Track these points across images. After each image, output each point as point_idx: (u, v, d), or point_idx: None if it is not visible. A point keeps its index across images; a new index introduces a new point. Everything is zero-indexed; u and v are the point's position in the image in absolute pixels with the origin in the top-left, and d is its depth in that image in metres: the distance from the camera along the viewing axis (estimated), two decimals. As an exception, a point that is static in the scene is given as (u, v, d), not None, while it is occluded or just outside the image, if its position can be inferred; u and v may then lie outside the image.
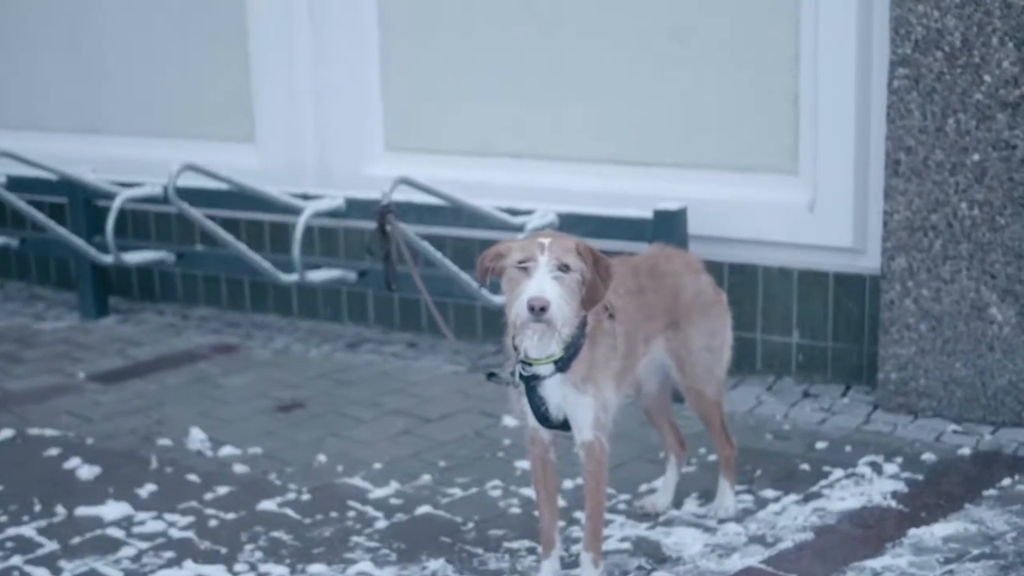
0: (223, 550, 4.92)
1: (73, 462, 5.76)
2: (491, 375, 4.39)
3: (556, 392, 4.24)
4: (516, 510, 5.14)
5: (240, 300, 8.01)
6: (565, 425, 4.31)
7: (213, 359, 7.21)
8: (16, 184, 8.05)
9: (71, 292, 8.47)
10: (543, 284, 3.99)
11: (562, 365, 4.20)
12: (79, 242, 7.44)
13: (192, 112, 8.07)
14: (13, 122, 8.82)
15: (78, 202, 7.91)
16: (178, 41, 8.04)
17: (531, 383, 4.24)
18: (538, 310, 3.96)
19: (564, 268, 4.04)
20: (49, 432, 6.17)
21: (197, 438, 5.98)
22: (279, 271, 6.86)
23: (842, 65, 5.96)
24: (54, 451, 5.92)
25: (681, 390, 4.86)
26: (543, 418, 4.30)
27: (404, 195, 6.54)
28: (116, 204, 7.02)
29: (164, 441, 6.00)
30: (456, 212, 6.47)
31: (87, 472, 5.66)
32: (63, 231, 7.37)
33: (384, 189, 6.00)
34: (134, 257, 7.52)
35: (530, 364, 4.22)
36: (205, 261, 7.74)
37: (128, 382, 6.88)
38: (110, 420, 6.32)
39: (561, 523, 4.85)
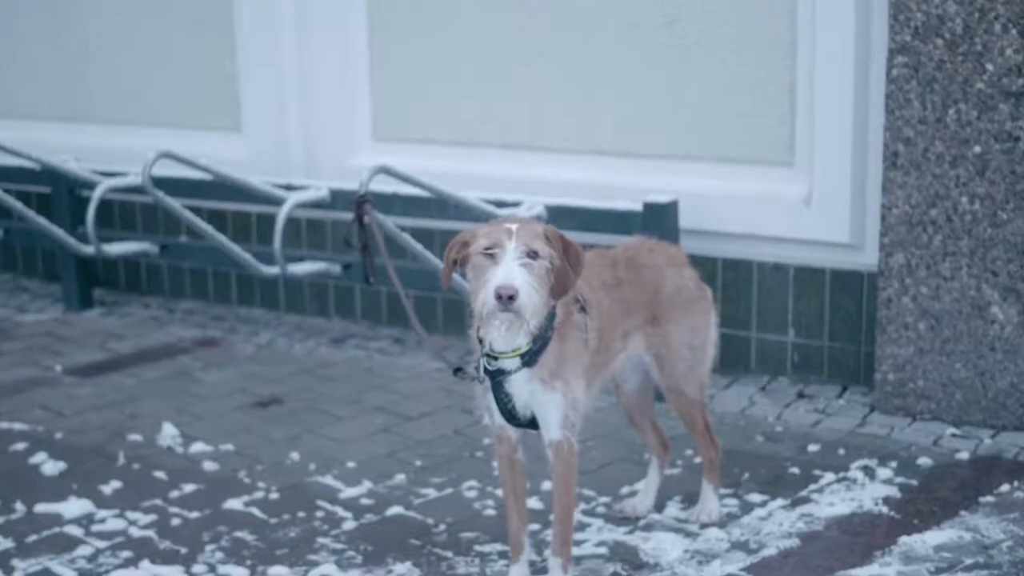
0: (183, 550, 4.73)
1: (39, 457, 5.58)
2: (458, 370, 4.20)
3: (523, 388, 4.03)
4: (491, 512, 4.93)
5: (227, 294, 7.82)
6: (533, 423, 4.11)
7: (194, 353, 7.01)
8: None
9: (58, 284, 8.28)
10: (511, 271, 3.79)
11: (529, 359, 3.99)
12: (59, 232, 7.25)
13: (179, 101, 7.88)
14: (-3, 111, 8.67)
15: (62, 192, 7.72)
16: (164, 29, 7.86)
17: (497, 378, 4.03)
18: (506, 299, 3.75)
19: (533, 255, 3.83)
20: (18, 426, 5.99)
21: (168, 434, 5.79)
22: (261, 263, 6.67)
23: (840, 53, 5.73)
24: (21, 445, 5.74)
25: (661, 389, 4.65)
26: (510, 415, 4.10)
27: (391, 186, 6.37)
28: (97, 194, 6.82)
29: (135, 437, 5.81)
30: (442, 204, 6.27)
31: (52, 468, 5.48)
32: (43, 221, 7.19)
33: (380, 179, 5.86)
34: (116, 248, 7.32)
35: (495, 358, 4.01)
36: (189, 253, 7.53)
37: (105, 376, 6.69)
38: (82, 415, 6.13)
39: (536, 526, 4.67)
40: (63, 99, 8.37)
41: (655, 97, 6.27)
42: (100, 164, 7.45)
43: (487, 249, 3.83)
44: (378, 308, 7.26)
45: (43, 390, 6.50)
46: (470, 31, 6.78)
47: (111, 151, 7.79)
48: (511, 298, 3.74)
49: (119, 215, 8.11)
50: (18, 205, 7.11)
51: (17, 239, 8.22)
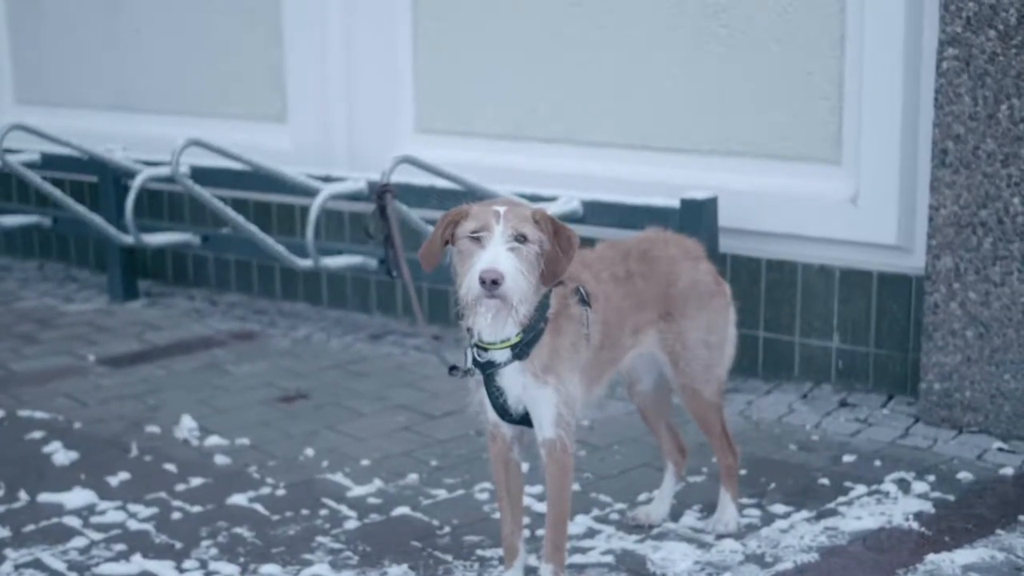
0: (178, 545, 4.58)
1: (53, 446, 5.47)
2: (453, 369, 3.98)
3: (515, 382, 3.83)
4: (499, 516, 4.70)
5: (270, 287, 7.69)
6: (527, 419, 3.89)
7: (229, 346, 6.89)
8: (50, 162, 7.87)
9: (106, 275, 8.21)
10: (497, 255, 3.59)
11: (519, 352, 3.78)
12: (99, 221, 7.17)
13: (227, 91, 7.78)
14: (51, 99, 8.63)
15: (108, 181, 7.65)
16: (214, 19, 7.76)
17: (487, 371, 3.83)
18: (490, 283, 3.55)
19: (521, 239, 3.63)
20: (39, 415, 5.90)
21: (186, 426, 5.65)
22: (298, 256, 6.53)
23: (890, 45, 5.46)
24: (37, 434, 5.63)
25: (676, 388, 4.40)
26: (502, 411, 3.89)
27: (427, 179, 6.21)
28: (137, 183, 6.74)
29: (152, 428, 5.68)
30: (478, 197, 6.06)
31: (63, 457, 5.36)
32: (82, 209, 7.10)
33: (411, 171, 5.76)
34: (156, 238, 7.23)
35: (485, 349, 3.80)
36: (231, 244, 7.40)
37: (136, 367, 6.58)
38: (105, 405, 6.02)
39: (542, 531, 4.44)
40: (114, 88, 8.31)
41: (697, 89, 6.02)
42: (149, 154, 7.38)
43: (474, 232, 3.63)
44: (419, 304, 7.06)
45: (71, 379, 6.41)
46: (514, 23, 6.58)
47: (161, 140, 7.65)
48: (495, 282, 3.54)
49: (167, 206, 8.03)
50: (58, 193, 7.03)
51: (66, 228, 8.15)
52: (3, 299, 8.03)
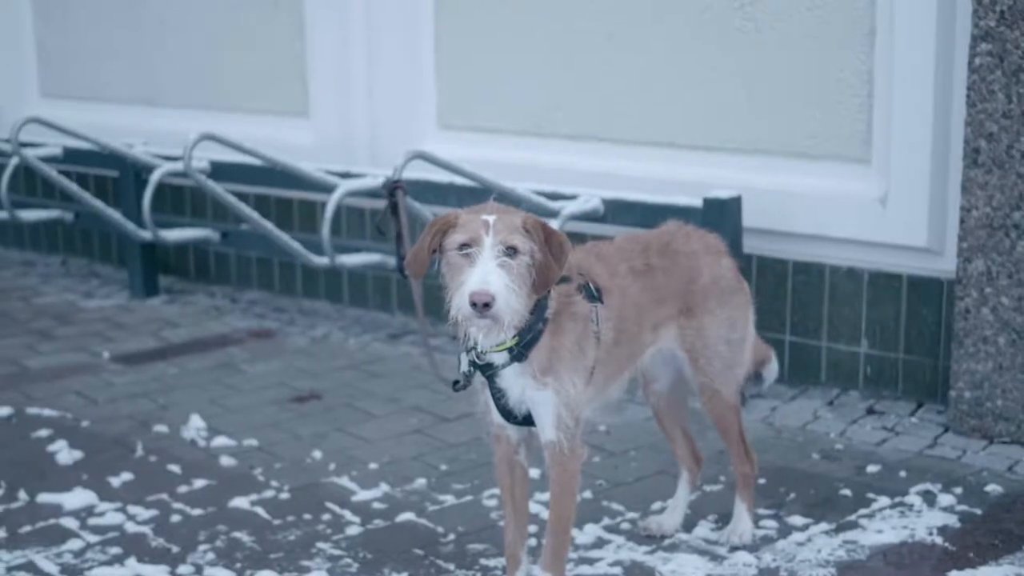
0: (175, 549, 4.45)
1: (58, 445, 5.35)
2: (455, 384, 3.83)
3: (515, 384, 3.69)
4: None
5: (292, 285, 7.57)
6: (531, 420, 3.75)
7: (245, 344, 6.76)
8: (72, 156, 7.78)
9: (129, 271, 8.12)
10: (487, 275, 3.44)
11: (517, 354, 3.63)
12: (116, 216, 7.06)
13: (249, 86, 7.66)
14: (76, 93, 8.55)
15: (128, 176, 7.54)
16: (236, 13, 7.64)
17: (488, 373, 3.68)
18: (481, 306, 3.40)
19: (511, 252, 3.48)
20: (47, 412, 5.79)
21: (194, 426, 5.53)
22: (311, 253, 6.39)
23: (921, 40, 5.26)
24: (44, 432, 5.52)
25: (695, 387, 4.23)
26: (505, 412, 3.74)
27: (446, 176, 6.08)
28: (154, 178, 6.63)
29: (160, 428, 5.56)
30: (499, 193, 5.92)
31: (67, 456, 5.25)
32: (99, 204, 6.99)
33: (432, 167, 5.71)
34: (173, 234, 7.11)
35: (483, 352, 3.66)
36: (250, 241, 7.26)
37: (150, 364, 6.47)
38: (114, 403, 5.91)
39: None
40: (139, 82, 8.23)
41: (724, 86, 5.84)
42: (173, 148, 7.23)
43: (462, 246, 3.48)
44: (440, 304, 6.91)
45: (83, 377, 6.30)
46: (536, 19, 6.43)
47: (184, 135, 7.48)
48: (487, 305, 3.39)
49: (190, 201, 7.92)
50: (75, 188, 6.92)
51: (89, 223, 8.04)
52: (24, 294, 7.95)
